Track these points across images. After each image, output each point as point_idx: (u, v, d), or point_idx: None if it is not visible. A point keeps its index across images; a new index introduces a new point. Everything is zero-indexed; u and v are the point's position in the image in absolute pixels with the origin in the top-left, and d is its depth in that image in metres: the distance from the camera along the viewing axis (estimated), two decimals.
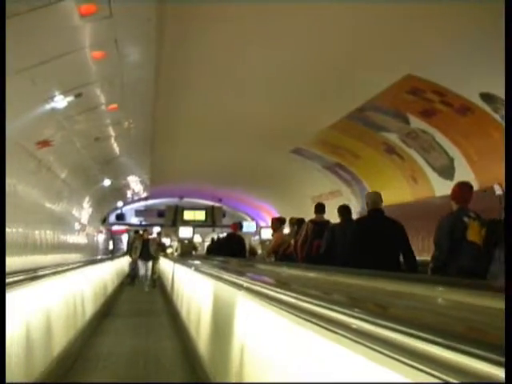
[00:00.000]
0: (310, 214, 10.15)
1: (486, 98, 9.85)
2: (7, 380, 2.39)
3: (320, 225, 8.87)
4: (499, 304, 1.43)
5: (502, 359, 1.10)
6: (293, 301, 2.53)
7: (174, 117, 13.76)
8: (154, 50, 8.62)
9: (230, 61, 10.17)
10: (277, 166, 19.68)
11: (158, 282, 20.55)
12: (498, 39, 8.03)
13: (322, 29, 8.63)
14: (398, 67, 10.07)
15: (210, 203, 31.74)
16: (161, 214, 32.06)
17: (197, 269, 8.39)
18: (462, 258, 5.52)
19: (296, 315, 2.45)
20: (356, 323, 1.77)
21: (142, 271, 19.94)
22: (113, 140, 13.84)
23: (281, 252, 10.32)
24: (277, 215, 24.14)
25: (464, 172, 11.91)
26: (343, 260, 6.58)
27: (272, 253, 10.92)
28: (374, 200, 7.03)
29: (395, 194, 13.98)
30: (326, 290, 2.61)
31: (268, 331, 3.11)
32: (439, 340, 1.32)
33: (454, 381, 1.22)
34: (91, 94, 9.57)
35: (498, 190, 10.98)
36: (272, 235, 12.15)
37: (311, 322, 2.20)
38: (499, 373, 1.10)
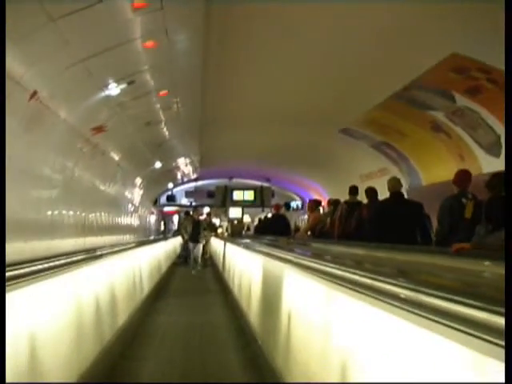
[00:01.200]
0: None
1: None
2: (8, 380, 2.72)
3: (353, 205, 9.68)
4: None
5: None
6: (331, 270, 2.85)
7: (223, 100, 14.06)
8: (202, 38, 8.92)
9: (277, 46, 10.38)
10: (325, 145, 19.84)
11: (209, 262, 20.92)
12: None
13: (368, 9, 8.75)
14: (442, 46, 10.14)
15: (258, 183, 32.03)
16: (210, 194, 32.48)
17: (247, 247, 8.76)
18: (459, 233, 6.04)
19: (334, 282, 2.76)
20: (379, 285, 2.07)
21: (193, 253, 19.27)
22: (163, 124, 14.25)
23: (317, 230, 11.13)
24: (325, 194, 24.37)
25: None
26: (370, 236, 7.48)
27: (308, 230, 11.84)
28: (394, 185, 8.13)
29: (442, 171, 14.03)
30: (357, 261, 2.92)
31: (311, 298, 3.45)
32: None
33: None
34: (143, 80, 9.95)
35: None
36: (308, 216, 13.11)
37: (347, 287, 2.52)
38: None
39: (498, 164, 12.56)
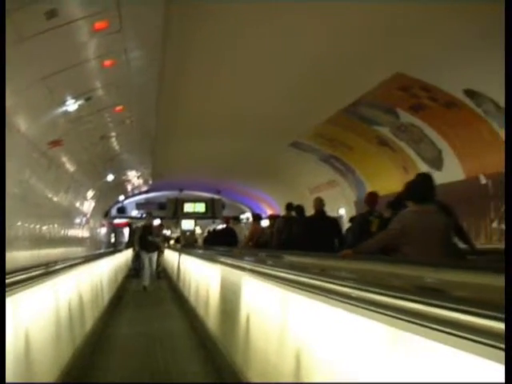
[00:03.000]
0: (307, 204, 11.17)
1: (470, 93, 10.53)
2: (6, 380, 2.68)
3: (288, 219, 10.93)
4: None
5: None
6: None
7: (176, 114, 14.35)
8: (159, 55, 9.24)
9: (230, 60, 10.72)
10: (275, 158, 20.31)
11: (162, 274, 20.69)
12: (479, 40, 8.76)
13: (319, 29, 9.20)
14: (387, 66, 10.73)
15: (209, 195, 32.32)
16: (162, 206, 32.57)
17: (202, 257, 9.14)
18: None
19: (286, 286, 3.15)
20: (322, 285, 2.46)
21: (145, 264, 17.01)
22: (116, 138, 14.49)
23: (254, 240, 12.62)
24: (276, 206, 24.79)
25: (451, 162, 12.61)
26: (300, 246, 8.55)
27: (249, 241, 13.19)
28: (318, 204, 9.65)
29: (388, 183, 14.60)
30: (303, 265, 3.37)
31: (262, 299, 3.87)
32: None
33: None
34: (100, 96, 10.21)
35: (483, 180, 11.67)
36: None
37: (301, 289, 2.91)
38: None
39: (440, 177, 13.21)
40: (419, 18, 8.56)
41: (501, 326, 1.35)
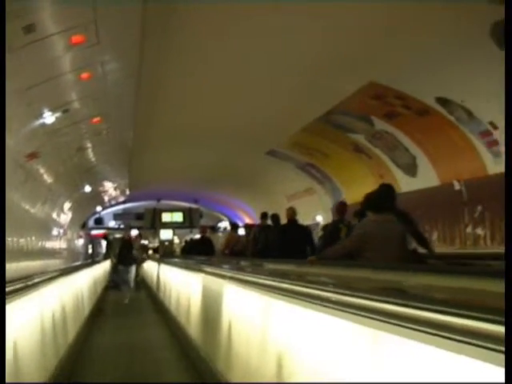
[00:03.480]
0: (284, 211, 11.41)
1: (442, 101, 10.77)
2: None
3: (263, 228, 11.51)
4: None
5: None
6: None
7: (153, 125, 14.45)
8: (136, 68, 9.33)
9: (206, 72, 10.88)
10: (252, 167, 20.46)
11: (142, 284, 20.63)
12: (451, 50, 8.99)
13: (293, 40, 9.39)
14: (362, 75, 10.94)
15: (187, 205, 32.32)
16: (139, 216, 32.45)
17: (181, 266, 9.24)
18: None
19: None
20: (300, 290, 2.58)
21: (124, 277, 17.14)
22: (93, 149, 14.51)
23: (230, 248, 13.23)
24: (253, 214, 24.89)
25: (426, 168, 12.86)
26: (274, 253, 9.17)
27: (225, 248, 13.75)
28: (291, 213, 10.16)
29: (364, 190, 14.74)
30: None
31: (240, 307, 3.98)
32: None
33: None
34: (77, 109, 10.26)
35: (457, 186, 11.90)
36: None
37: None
38: None
39: (414, 183, 13.46)
40: (392, 28, 8.80)
41: (494, 327, 1.34)
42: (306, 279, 2.83)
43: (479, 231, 11.57)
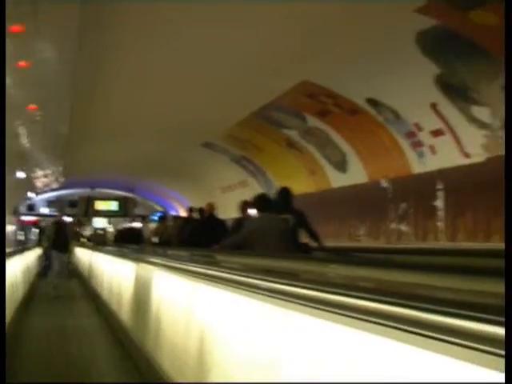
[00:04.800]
0: (219, 203, 12.12)
1: (371, 102, 11.29)
2: None
3: (188, 220, 12.74)
4: None
5: None
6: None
7: (90, 115, 14.53)
8: (75, 57, 9.42)
9: (143, 62, 11.03)
10: (188, 158, 20.66)
11: (74, 272, 20.50)
12: (382, 54, 9.47)
13: (232, 35, 9.64)
14: (295, 74, 11.34)
15: (122, 194, 32.26)
16: (73, 204, 32.24)
17: (114, 254, 9.48)
18: None
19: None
20: (219, 274, 2.90)
21: (56, 264, 16.46)
22: (29, 136, 14.44)
23: (158, 237, 14.40)
24: (187, 205, 25.08)
25: (355, 166, 13.40)
26: (195, 243, 9.81)
27: (151, 238, 15.26)
28: (209, 208, 11.71)
29: (295, 185, 15.19)
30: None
31: (168, 292, 4.30)
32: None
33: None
34: (12, 95, 10.26)
35: (384, 184, 12.48)
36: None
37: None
38: None
39: (344, 179, 14.00)
40: (327, 30, 9.19)
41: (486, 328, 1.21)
42: (221, 265, 3.22)
43: (403, 227, 12.15)
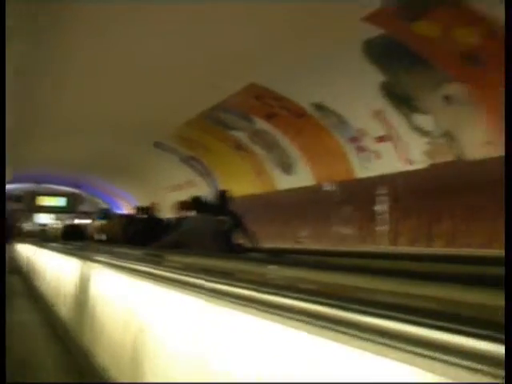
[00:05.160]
0: (167, 202, 12.13)
1: (316, 107, 11.52)
2: None
3: (132, 219, 12.85)
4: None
5: None
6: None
7: (36, 111, 14.35)
8: (18, 55, 9.36)
9: (91, 60, 10.95)
10: (137, 157, 20.61)
11: (16, 269, 20.25)
12: (329, 60, 9.68)
13: (180, 35, 9.69)
14: (243, 76, 11.47)
15: (69, 190, 31.89)
16: (18, 199, 31.71)
17: (58, 251, 9.46)
18: None
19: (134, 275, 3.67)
20: (166, 275, 3.00)
21: None
22: None
23: (102, 235, 14.74)
24: (134, 203, 25.02)
25: (302, 168, 13.63)
26: (138, 241, 10.04)
27: (97, 235, 15.46)
28: (152, 208, 11.93)
29: (240, 186, 15.39)
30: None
31: (108, 289, 4.39)
32: None
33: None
34: None
35: (328, 187, 12.74)
36: None
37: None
38: None
39: (292, 181, 14.21)
40: (275, 34, 9.35)
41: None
42: (161, 264, 3.34)
43: (347, 230, 12.40)
